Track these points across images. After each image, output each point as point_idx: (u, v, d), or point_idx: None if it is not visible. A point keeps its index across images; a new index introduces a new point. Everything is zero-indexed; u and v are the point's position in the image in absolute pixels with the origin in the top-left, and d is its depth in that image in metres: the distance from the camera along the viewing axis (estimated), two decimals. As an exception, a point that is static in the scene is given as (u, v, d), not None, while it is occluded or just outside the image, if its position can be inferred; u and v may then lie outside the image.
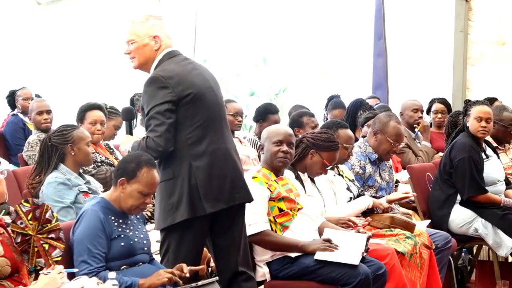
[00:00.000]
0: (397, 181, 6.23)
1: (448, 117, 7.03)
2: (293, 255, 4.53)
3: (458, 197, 5.98)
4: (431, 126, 7.57)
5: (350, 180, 5.45)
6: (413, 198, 6.01)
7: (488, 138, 6.34)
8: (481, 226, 5.90)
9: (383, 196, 5.62)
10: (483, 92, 8.11)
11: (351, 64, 10.44)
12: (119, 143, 4.40)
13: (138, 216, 4.08)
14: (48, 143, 4.76)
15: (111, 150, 5.84)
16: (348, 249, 4.47)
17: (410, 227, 5.17)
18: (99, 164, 5.43)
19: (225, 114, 4.27)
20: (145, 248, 4.02)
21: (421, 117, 7.33)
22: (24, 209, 3.61)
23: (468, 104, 6.13)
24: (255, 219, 4.48)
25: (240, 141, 6.85)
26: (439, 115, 7.64)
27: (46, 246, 3.62)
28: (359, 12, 10.11)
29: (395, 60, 9.46)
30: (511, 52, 8.80)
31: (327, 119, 7.56)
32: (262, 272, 4.59)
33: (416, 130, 7.24)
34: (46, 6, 11.23)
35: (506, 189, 6.20)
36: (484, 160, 6.02)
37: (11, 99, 8.26)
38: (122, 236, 3.90)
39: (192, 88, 4.05)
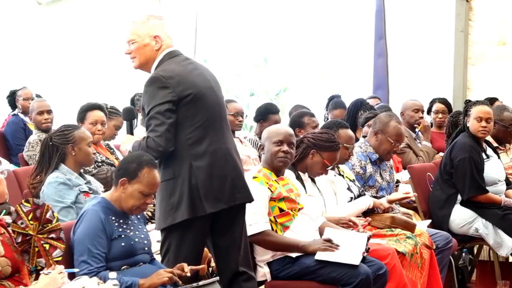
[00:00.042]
0: (397, 181, 6.23)
1: (449, 117, 7.03)
2: (293, 255, 4.53)
3: (459, 197, 5.98)
4: (431, 126, 7.57)
5: (350, 180, 5.45)
6: (413, 198, 6.01)
7: (489, 138, 6.34)
8: (481, 226, 5.90)
9: (384, 196, 5.62)
10: (484, 92, 8.11)
11: (351, 64, 10.45)
12: (120, 143, 4.40)
13: (138, 216, 4.07)
14: (49, 143, 4.75)
15: (112, 150, 5.84)
16: (349, 249, 4.47)
17: (410, 227, 5.17)
18: (100, 164, 5.43)
19: (225, 114, 4.27)
20: (146, 248, 4.02)
21: (421, 117, 7.33)
22: (24, 209, 3.61)
23: (468, 104, 6.13)
24: (256, 219, 4.48)
25: (241, 141, 6.85)
26: (440, 115, 7.64)
27: (47, 246, 3.62)
28: (360, 12, 10.12)
29: (396, 60, 9.47)
30: (512, 52, 8.83)
31: (327, 119, 7.56)
32: (263, 272, 4.59)
33: (416, 130, 7.24)
34: (46, 6, 11.24)
35: (507, 189, 6.20)
36: (485, 160, 6.01)
37: (12, 99, 8.25)
38: (122, 236, 3.90)
39: (193, 88, 4.05)
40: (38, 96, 8.09)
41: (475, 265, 6.61)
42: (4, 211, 3.68)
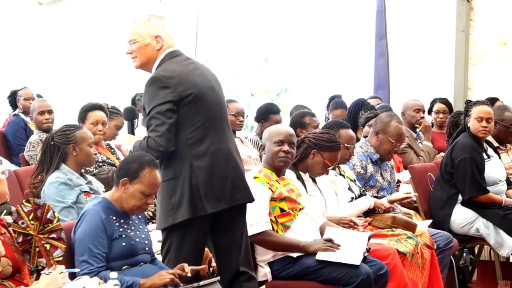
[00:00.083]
0: (398, 181, 6.23)
1: (450, 117, 7.02)
2: (294, 255, 4.53)
3: (460, 197, 5.98)
4: (432, 126, 7.57)
5: (351, 180, 5.45)
6: (414, 198, 6.01)
7: (490, 138, 6.34)
8: (482, 226, 5.90)
9: (385, 196, 5.62)
10: (485, 92, 8.10)
11: (352, 64, 10.44)
12: (121, 143, 4.40)
13: (139, 216, 4.07)
14: (51, 143, 4.75)
15: (112, 150, 5.84)
16: (350, 249, 4.47)
17: (411, 227, 5.17)
18: (101, 164, 5.43)
19: (226, 114, 4.26)
20: (147, 248, 4.02)
21: (422, 117, 7.33)
22: (25, 209, 3.61)
23: (469, 104, 6.13)
24: (257, 219, 4.48)
25: (242, 141, 6.84)
26: (441, 115, 7.64)
27: (48, 246, 3.62)
28: (361, 12, 10.11)
29: (397, 60, 9.46)
30: (513, 52, 8.82)
31: (328, 119, 7.56)
32: (264, 272, 4.59)
33: (417, 130, 7.24)
34: (47, 6, 11.23)
35: (508, 189, 6.20)
36: (485, 160, 6.01)
37: (13, 99, 8.25)
38: (123, 236, 3.90)
39: (193, 88, 4.05)
40: (39, 96, 8.09)
41: (476, 265, 6.61)
42: (5, 211, 3.69)
